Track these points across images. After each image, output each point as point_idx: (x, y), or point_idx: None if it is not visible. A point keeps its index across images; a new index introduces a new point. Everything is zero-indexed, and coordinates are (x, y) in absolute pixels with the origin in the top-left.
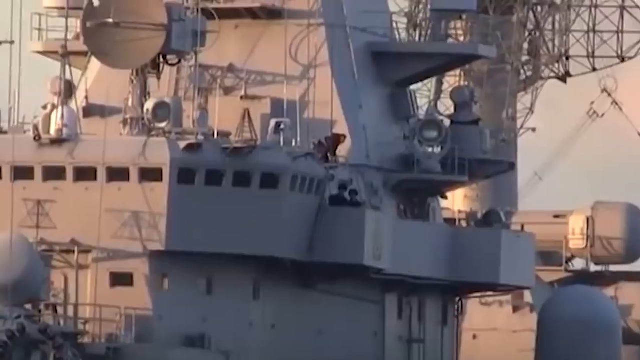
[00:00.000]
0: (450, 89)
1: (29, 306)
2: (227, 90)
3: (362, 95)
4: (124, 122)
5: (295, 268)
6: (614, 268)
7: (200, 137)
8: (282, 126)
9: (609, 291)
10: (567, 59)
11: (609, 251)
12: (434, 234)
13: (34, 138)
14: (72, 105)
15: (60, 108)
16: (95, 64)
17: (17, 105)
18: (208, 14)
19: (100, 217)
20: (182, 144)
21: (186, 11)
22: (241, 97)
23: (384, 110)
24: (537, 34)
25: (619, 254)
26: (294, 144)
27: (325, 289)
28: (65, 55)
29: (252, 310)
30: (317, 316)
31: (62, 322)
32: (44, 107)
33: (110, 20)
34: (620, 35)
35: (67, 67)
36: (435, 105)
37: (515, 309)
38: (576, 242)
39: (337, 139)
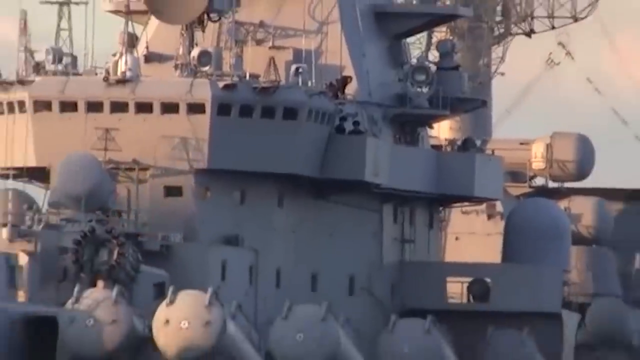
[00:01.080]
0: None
1: (99, 212)
2: (258, 42)
3: (366, 46)
4: (176, 66)
5: (311, 183)
6: (567, 185)
7: (235, 79)
8: (300, 70)
9: (564, 203)
10: (532, 19)
11: (564, 171)
12: (423, 156)
13: (104, 79)
14: (135, 53)
15: (125, 55)
16: (154, 20)
17: (92, 53)
18: None
19: (156, 141)
20: (221, 84)
21: None
22: (269, 47)
23: (383, 58)
24: None
25: (572, 173)
26: (310, 84)
27: (335, 200)
28: (128, 13)
29: (276, 217)
30: (329, 222)
31: (125, 225)
32: (114, 55)
33: None
34: (574, 0)
35: (130, 23)
36: (426, 54)
37: (489, 217)
38: (538, 164)
39: (345, 81)
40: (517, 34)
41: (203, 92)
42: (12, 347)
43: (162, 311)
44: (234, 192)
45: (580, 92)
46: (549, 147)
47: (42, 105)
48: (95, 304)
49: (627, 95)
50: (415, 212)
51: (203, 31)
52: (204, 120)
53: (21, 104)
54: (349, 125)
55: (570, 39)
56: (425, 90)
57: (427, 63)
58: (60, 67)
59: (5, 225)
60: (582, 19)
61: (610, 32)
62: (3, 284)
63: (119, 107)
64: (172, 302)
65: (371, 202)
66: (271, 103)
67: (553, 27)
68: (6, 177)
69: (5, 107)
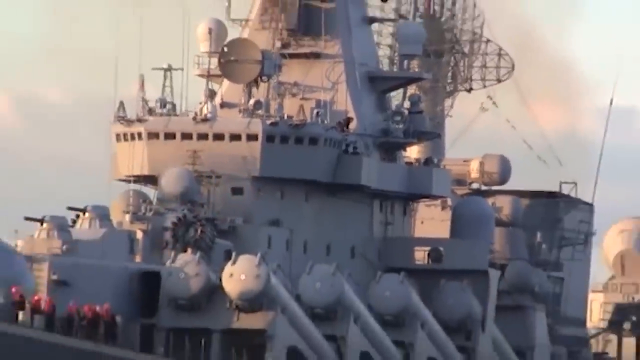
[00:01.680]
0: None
1: (189, 204)
2: (293, 95)
3: (362, 98)
4: (239, 110)
5: (326, 186)
6: (494, 188)
7: (278, 119)
8: (319, 113)
9: (491, 199)
10: (471, 80)
11: (491, 179)
12: (399, 169)
13: (193, 118)
14: (213, 102)
15: (207, 103)
16: (226, 81)
17: (186, 101)
18: (283, 55)
19: (226, 159)
20: (268, 122)
21: (272, 54)
22: (300, 98)
23: (374, 105)
24: (456, 67)
25: (496, 180)
26: (326, 122)
27: (342, 196)
28: (209, 76)
29: (304, 208)
30: (338, 211)
31: (205, 212)
32: (200, 103)
33: (233, 58)
34: (498, 68)
35: (210, 82)
36: (402, 103)
37: (442, 208)
38: (474, 174)
39: (349, 121)
40: (461, 90)
41: (257, 127)
42: (131, 292)
43: (228, 268)
44: (276, 191)
45: (502, 127)
46: (481, 163)
47: (153, 136)
48: (185, 264)
49: (532, 130)
50: (394, 205)
51: (257, 88)
52: (257, 146)
53: (139, 134)
54: (351, 149)
55: (496, 94)
56: (401, 126)
57: (402, 109)
58: (164, 110)
59: (128, 212)
60: (504, 80)
61: (522, 89)
62: (126, 251)
63: (202, 137)
64: (234, 262)
65: (365, 199)
66: (301, 134)
67: (485, 86)
68: (129, 181)
69: (129, 137)
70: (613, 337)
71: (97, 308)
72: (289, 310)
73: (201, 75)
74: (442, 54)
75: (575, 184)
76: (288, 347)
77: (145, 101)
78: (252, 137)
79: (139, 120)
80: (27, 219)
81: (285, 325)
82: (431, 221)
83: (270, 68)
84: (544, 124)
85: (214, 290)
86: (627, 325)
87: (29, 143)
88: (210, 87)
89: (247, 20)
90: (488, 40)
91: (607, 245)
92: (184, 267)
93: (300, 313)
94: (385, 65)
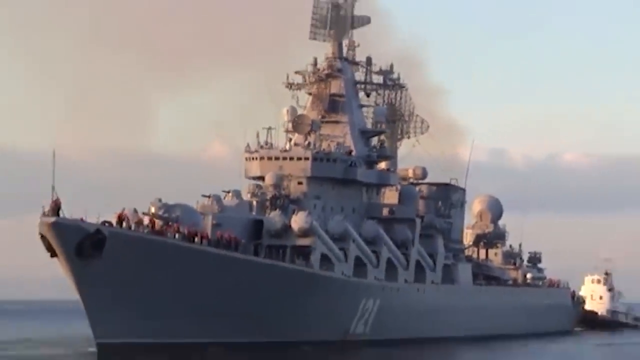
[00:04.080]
0: (380, 139)
1: (278, 188)
2: (326, 140)
3: (357, 141)
4: (301, 147)
5: (342, 180)
6: (419, 181)
7: (318, 150)
8: (338, 147)
9: (418, 187)
10: (408, 133)
11: (418, 177)
12: (375, 173)
13: (280, 150)
14: (290, 143)
15: (287, 143)
16: (296, 133)
17: (277, 142)
18: (322, 122)
19: (295, 168)
20: (314, 152)
21: (316, 121)
22: (329, 142)
23: (363, 144)
24: (402, 127)
25: (420, 177)
26: (341, 151)
27: (348, 185)
28: (288, 131)
29: (330, 191)
30: (348, 193)
31: (284, 192)
32: (284, 144)
33: (299, 122)
34: (421, 127)
35: (287, 134)
36: (377, 144)
37: (396, 190)
38: (410, 175)
39: (351, 151)
40: (404, 137)
41: (309, 154)
42: (249, 229)
43: (293, 217)
44: (318, 183)
45: (423, 154)
46: (414, 170)
47: (262, 158)
48: (275, 215)
49: (437, 154)
50: (373, 189)
51: (310, 135)
52: (309, 162)
53: (256, 157)
54: (352, 164)
55: (419, 139)
56: (376, 154)
57: (376, 146)
58: (267, 146)
59: (249, 193)
60: (424, 133)
61: (432, 136)
62: (247, 210)
63: (284, 158)
64: (296, 214)
65: (359, 186)
66: (329, 157)
67: (415, 136)
68: (250, 179)
69: (251, 158)
70: (475, 249)
71: (232, 235)
72: (322, 236)
73: (285, 131)
74: (395, 121)
75: (457, 179)
76: (321, 254)
77: (258, 142)
78: (307, 158)
79: (256, 151)
80: (202, 195)
81: (320, 243)
82: (390, 197)
83: (315, 128)
84: (442, 150)
85: (287, 227)
86: (482, 244)
87: (225, 164)
88: (288, 136)
89: (305, 106)
90: (417, 115)
91: (473, 207)
92: (274, 217)
93: (327, 238)
94: (369, 125)
